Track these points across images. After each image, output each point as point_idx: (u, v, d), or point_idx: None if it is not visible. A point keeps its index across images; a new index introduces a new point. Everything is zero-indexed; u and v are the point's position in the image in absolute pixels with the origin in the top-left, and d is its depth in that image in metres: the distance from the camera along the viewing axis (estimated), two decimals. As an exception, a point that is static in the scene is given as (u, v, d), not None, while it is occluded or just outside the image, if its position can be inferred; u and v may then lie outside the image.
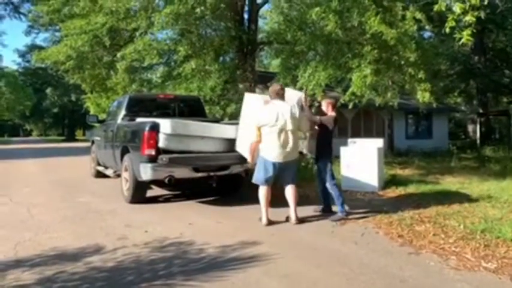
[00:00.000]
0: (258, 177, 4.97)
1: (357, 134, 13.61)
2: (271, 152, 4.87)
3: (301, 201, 5.42)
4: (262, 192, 4.95)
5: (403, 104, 14.58)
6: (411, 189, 7.33)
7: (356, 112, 15.48)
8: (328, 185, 5.38)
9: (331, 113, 5.67)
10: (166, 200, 6.60)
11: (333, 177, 5.42)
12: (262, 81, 12.37)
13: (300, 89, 8.65)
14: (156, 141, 5.46)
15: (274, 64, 15.01)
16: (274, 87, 5.10)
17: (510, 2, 18.21)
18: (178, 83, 9.87)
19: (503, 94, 22.72)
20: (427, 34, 16.30)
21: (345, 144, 7.90)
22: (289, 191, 5.04)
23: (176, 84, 10.00)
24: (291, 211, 5.00)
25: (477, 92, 22.52)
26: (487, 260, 3.63)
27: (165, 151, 5.46)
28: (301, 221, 5.00)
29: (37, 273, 3.29)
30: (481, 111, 22.02)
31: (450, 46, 16.46)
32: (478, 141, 20.39)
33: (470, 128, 23.95)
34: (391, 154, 14.30)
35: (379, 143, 7.85)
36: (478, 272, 3.38)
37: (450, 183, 8.27)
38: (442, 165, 11.92)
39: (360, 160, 7.29)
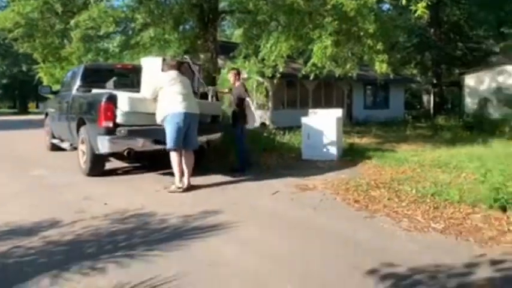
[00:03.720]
0: None
1: (318, 105, 13.82)
2: None
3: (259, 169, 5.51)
4: None
5: (362, 75, 14.88)
6: (368, 156, 7.60)
7: (317, 83, 15.67)
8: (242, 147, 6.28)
9: (236, 82, 6.46)
10: (126, 172, 6.50)
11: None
12: (224, 51, 12.18)
13: (262, 59, 8.63)
14: (114, 113, 5.31)
15: (236, 34, 14.78)
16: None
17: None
18: (137, 53, 9.54)
19: (456, 66, 23.65)
20: (385, 6, 16.52)
21: (306, 114, 8.02)
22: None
23: (134, 53, 9.66)
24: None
25: (432, 64, 23.32)
26: (436, 221, 3.87)
27: (123, 125, 5.34)
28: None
29: (-10, 248, 3.19)
30: (435, 82, 22.89)
31: (407, 19, 16.79)
32: (432, 111, 21.30)
33: (425, 98, 24.91)
34: (350, 124, 14.70)
35: (338, 113, 8.02)
36: (427, 233, 3.61)
37: (405, 150, 8.65)
38: (398, 134, 12.41)
39: (320, 130, 7.44)
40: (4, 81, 44.12)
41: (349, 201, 4.67)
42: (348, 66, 9.47)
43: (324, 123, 7.51)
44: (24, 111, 40.01)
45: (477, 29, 23.86)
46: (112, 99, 5.36)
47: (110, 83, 6.47)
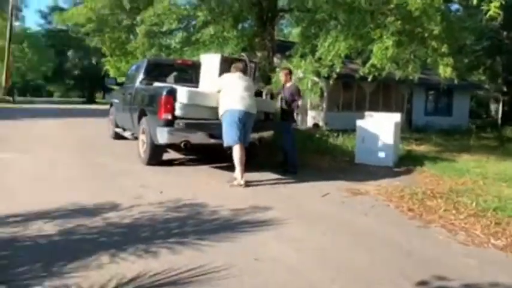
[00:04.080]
0: None
1: (375, 108, 13.42)
2: None
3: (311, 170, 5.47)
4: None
5: (424, 79, 14.24)
6: (426, 165, 7.29)
7: (375, 86, 15.22)
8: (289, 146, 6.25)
9: (288, 83, 6.40)
10: (182, 163, 6.74)
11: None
12: (281, 50, 12.19)
13: (319, 59, 8.54)
14: (173, 106, 5.54)
15: (294, 33, 14.73)
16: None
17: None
18: (197, 49, 9.83)
19: (530, 73, 21.96)
20: (454, 7, 15.66)
21: (362, 117, 7.84)
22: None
23: (194, 50, 9.96)
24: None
25: (503, 70, 21.78)
26: (497, 237, 3.65)
27: (182, 118, 5.56)
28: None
29: (58, 225, 3.46)
30: (505, 89, 21.36)
31: (478, 20, 15.80)
32: (500, 121, 19.92)
33: (492, 107, 23.37)
34: (409, 130, 14.13)
35: (396, 117, 7.76)
36: (486, 249, 3.42)
37: (467, 161, 8.18)
38: (460, 143, 11.75)
39: (376, 134, 7.25)
40: (76, 72, 47.42)
41: (403, 209, 4.52)
42: (409, 68, 9.10)
43: (380, 127, 7.31)
44: (92, 100, 42.60)
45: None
46: (172, 93, 5.59)
47: (171, 78, 6.74)
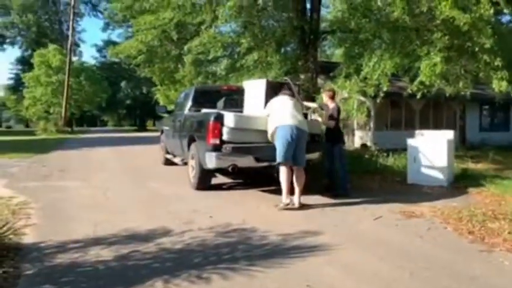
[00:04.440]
0: None
1: (425, 126, 12.93)
2: None
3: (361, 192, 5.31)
4: None
5: (477, 94, 13.58)
6: (484, 184, 6.87)
7: (424, 103, 14.73)
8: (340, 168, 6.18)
9: (331, 104, 6.33)
10: (230, 187, 6.81)
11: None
12: (325, 71, 12.18)
13: (365, 78, 8.44)
14: (221, 131, 5.67)
15: (337, 54, 14.71)
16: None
17: None
18: (241, 75, 10.05)
19: None
20: (505, 18, 14.99)
21: (412, 136, 7.58)
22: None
23: (239, 76, 10.18)
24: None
25: None
26: None
27: (229, 142, 5.67)
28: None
29: (114, 251, 3.60)
30: None
31: (534, 30, 14.98)
32: None
33: (556, 119, 21.75)
34: (463, 147, 13.44)
35: (449, 134, 7.43)
36: (559, 275, 3.14)
37: (530, 179, 7.62)
38: (521, 159, 10.99)
39: (428, 153, 6.96)
40: (128, 102, 50.02)
41: (462, 231, 4.27)
42: (460, 84, 8.75)
43: (432, 145, 7.01)
44: (143, 128, 44.46)
45: None
46: (219, 118, 5.73)
47: (221, 103, 6.91)
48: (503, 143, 14.51)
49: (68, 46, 31.28)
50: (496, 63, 7.24)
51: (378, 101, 9.39)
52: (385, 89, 8.19)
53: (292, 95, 5.71)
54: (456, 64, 8.17)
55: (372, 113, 14.34)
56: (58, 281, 2.98)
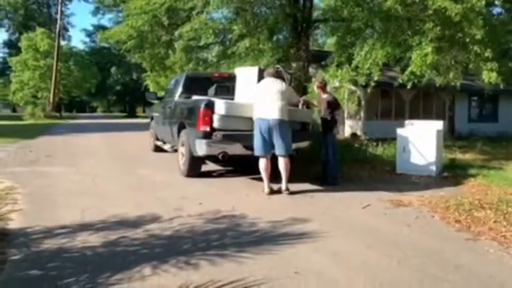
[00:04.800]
0: None
1: (415, 116, 13.00)
2: None
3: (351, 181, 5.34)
4: None
5: (466, 85, 13.69)
6: (471, 174, 6.96)
7: (415, 93, 14.81)
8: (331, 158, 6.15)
9: (323, 95, 6.30)
10: (220, 175, 6.80)
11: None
12: (316, 60, 12.13)
13: (356, 67, 8.43)
14: (211, 118, 5.63)
15: (329, 43, 14.66)
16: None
17: None
18: (233, 62, 9.98)
19: None
20: (496, 10, 15.06)
21: (402, 126, 7.63)
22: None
23: (231, 63, 10.11)
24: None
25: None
26: (554, 251, 3.41)
27: (219, 130, 5.64)
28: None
29: (102, 237, 3.57)
30: (556, 93, 20.14)
31: (524, 22, 15.08)
32: (552, 127, 18.76)
33: (543, 111, 22.06)
34: (452, 137, 13.57)
35: (438, 125, 7.49)
36: (542, 263, 3.20)
37: (516, 169, 7.74)
38: (508, 150, 11.15)
39: (417, 142, 7.01)
40: (118, 87, 49.42)
41: (449, 220, 4.33)
42: (450, 75, 8.81)
43: (422, 135, 7.06)
44: (133, 115, 44.09)
45: None
46: (210, 105, 5.69)
47: (212, 90, 6.86)
48: (491, 134, 14.69)
49: (57, 30, 30.72)
50: (486, 55, 7.28)
51: (369, 90, 9.39)
52: (376, 78, 8.21)
53: (278, 77, 5.66)
54: (447, 55, 8.21)
55: (363, 103, 14.39)
56: (45, 266, 2.95)
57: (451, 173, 7.09)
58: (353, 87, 11.90)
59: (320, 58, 11.96)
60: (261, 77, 5.90)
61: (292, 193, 5.34)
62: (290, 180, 5.49)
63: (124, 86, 48.36)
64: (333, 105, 6.25)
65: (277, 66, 7.17)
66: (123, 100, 52.08)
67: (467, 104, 17.29)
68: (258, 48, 9.84)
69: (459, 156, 9.48)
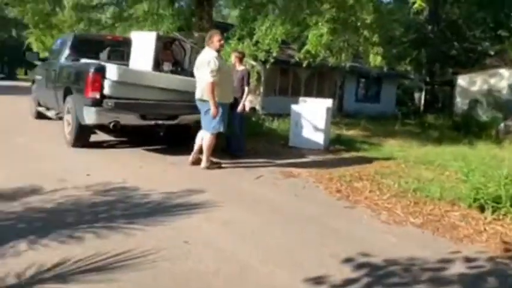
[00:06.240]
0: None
1: (309, 94, 13.79)
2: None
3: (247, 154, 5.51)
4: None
5: (356, 67, 14.87)
6: (354, 148, 7.66)
7: (310, 73, 15.63)
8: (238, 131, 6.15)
9: (239, 67, 6.28)
10: (111, 146, 6.44)
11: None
12: (220, 31, 11.99)
13: (256, 42, 8.56)
14: (102, 85, 5.23)
15: (232, 15, 14.64)
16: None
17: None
18: (129, 26, 9.39)
19: (450, 65, 23.78)
20: (386, -1, 16.54)
21: (297, 102, 8.01)
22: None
23: (127, 26, 9.51)
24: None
25: (427, 62, 23.39)
26: (415, 216, 3.93)
27: (111, 97, 5.27)
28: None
29: (-32, 211, 3.16)
30: (428, 79, 23.01)
31: (406, 13, 16.78)
32: (422, 109, 21.48)
33: (416, 95, 25.10)
34: (340, 115, 14.74)
35: (328, 103, 8.03)
36: (405, 226, 3.67)
37: (392, 145, 8.72)
38: (386, 128, 12.50)
39: (309, 118, 7.45)
40: (-8, 45, 43.17)
41: (331, 190, 4.71)
42: (342, 56, 9.46)
43: (313, 112, 7.51)
44: (13, 77, 39.29)
45: (474, 29, 23.93)
46: (100, 70, 5.27)
47: (104, 54, 6.36)
48: (374, 113, 16.28)
49: None
50: (374, 39, 7.96)
51: (268, 66, 9.69)
52: (274, 54, 8.46)
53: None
54: (340, 36, 8.77)
55: (262, 79, 14.74)
56: None
57: (337, 148, 7.70)
58: (253, 63, 12.10)
59: (224, 30, 11.85)
60: (159, 43, 5.65)
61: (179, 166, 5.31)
62: (185, 152, 5.45)
63: (1, 44, 42.42)
64: (247, 79, 6.24)
65: (176, 34, 6.94)
66: (1, 60, 45.88)
67: (355, 84, 18.83)
68: (157, 13, 9.39)
69: (345, 132, 10.34)
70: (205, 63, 4.96)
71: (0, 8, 17.27)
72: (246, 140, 6.66)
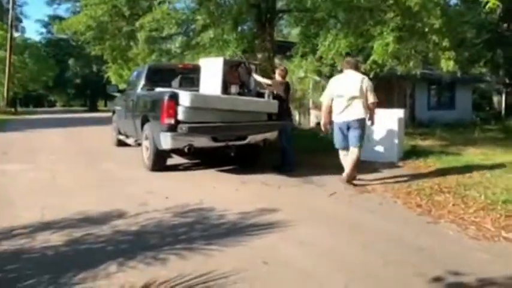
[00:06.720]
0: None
1: (377, 104, 13.32)
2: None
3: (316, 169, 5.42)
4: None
5: (426, 74, 14.16)
6: (431, 159, 7.23)
7: (377, 82, 15.15)
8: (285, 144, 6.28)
9: (282, 80, 6.49)
10: (186, 168, 6.71)
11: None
12: (281, 50, 12.16)
13: (320, 58, 8.52)
14: (176, 111, 5.52)
15: (293, 33, 14.75)
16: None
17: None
18: (197, 53, 9.82)
19: (532, 64, 21.76)
20: (453, 1, 15.67)
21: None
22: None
23: (195, 54, 9.95)
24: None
25: (504, 62, 21.61)
26: (508, 230, 3.60)
27: (184, 122, 5.54)
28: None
29: (65, 235, 3.44)
30: (507, 81, 21.22)
31: (477, 13, 15.75)
32: (503, 113, 19.80)
33: (495, 99, 23.21)
34: (412, 125, 14.04)
35: (399, 113, 7.71)
36: (497, 242, 3.38)
37: (473, 154, 8.12)
38: (464, 136, 11.67)
39: (380, 130, 7.20)
40: (77, 81, 47.58)
41: (411, 205, 4.48)
42: (410, 64, 9.07)
43: (384, 123, 7.23)
44: (94, 109, 42.67)
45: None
46: (174, 97, 5.57)
47: (176, 82, 6.72)
48: (449, 121, 15.31)
49: (9, 21, 29.10)
50: (444, 44, 7.56)
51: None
52: (339, 68, 8.32)
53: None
54: (407, 44, 8.44)
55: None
56: (2, 269, 2.81)
57: (412, 159, 7.33)
58: (317, 78, 12.02)
59: (285, 49, 11.98)
60: (226, 68, 5.86)
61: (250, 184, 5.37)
62: (257, 171, 5.50)
63: (84, 79, 46.59)
64: (288, 90, 6.40)
65: (241, 57, 7.15)
66: (84, 94, 50.24)
67: (426, 92, 17.90)
68: (222, 39, 9.73)
69: (420, 142, 9.82)
70: (366, 85, 5.75)
71: (81, 46, 19.02)
72: (316, 155, 6.59)
